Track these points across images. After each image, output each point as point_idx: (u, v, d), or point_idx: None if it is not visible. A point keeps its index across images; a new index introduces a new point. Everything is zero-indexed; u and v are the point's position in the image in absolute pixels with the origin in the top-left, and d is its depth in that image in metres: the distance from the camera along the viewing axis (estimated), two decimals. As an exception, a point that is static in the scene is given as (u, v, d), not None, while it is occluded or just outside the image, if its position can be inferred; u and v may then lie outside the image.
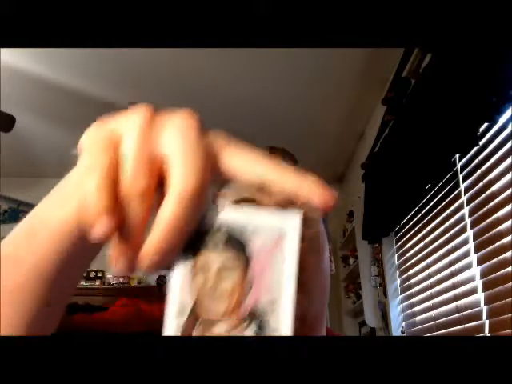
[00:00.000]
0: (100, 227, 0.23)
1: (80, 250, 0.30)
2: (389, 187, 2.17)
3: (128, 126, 0.25)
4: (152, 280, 3.35)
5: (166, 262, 0.25)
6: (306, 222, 0.26)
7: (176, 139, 0.24)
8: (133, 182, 0.24)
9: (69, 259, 0.29)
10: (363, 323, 2.82)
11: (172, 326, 0.25)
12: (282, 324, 0.24)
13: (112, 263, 0.25)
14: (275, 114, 2.79)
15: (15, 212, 3.59)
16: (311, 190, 0.24)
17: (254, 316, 0.25)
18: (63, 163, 0.30)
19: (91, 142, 0.26)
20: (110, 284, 3.16)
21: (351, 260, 3.07)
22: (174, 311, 0.26)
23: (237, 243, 0.26)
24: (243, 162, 0.25)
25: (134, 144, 0.24)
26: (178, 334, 0.25)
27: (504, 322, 1.38)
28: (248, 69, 2.42)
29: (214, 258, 0.26)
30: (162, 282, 3.28)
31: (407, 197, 2.04)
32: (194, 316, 0.25)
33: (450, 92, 1.55)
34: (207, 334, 0.25)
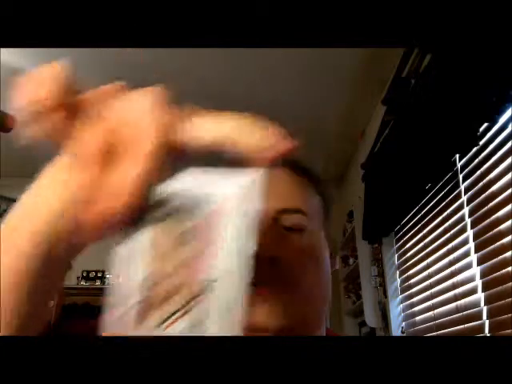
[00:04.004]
0: None
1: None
2: (389, 187, 2.17)
3: (95, 94, 0.27)
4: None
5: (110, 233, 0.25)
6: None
7: (132, 109, 0.25)
8: (87, 144, 0.25)
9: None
10: (363, 323, 2.82)
11: (121, 308, 0.24)
12: (231, 301, 0.22)
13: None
14: (275, 114, 2.78)
15: (15, 212, 3.57)
16: (266, 141, 0.24)
17: (205, 290, 0.22)
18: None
19: None
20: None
21: (351, 260, 3.07)
22: (122, 291, 0.25)
23: (187, 215, 0.24)
24: (199, 131, 0.25)
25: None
26: (126, 318, 0.24)
27: (504, 322, 1.38)
28: (247, 69, 2.42)
29: (165, 231, 0.24)
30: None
31: (407, 197, 2.04)
32: (143, 296, 0.24)
33: (450, 92, 1.55)
34: (157, 317, 0.23)
